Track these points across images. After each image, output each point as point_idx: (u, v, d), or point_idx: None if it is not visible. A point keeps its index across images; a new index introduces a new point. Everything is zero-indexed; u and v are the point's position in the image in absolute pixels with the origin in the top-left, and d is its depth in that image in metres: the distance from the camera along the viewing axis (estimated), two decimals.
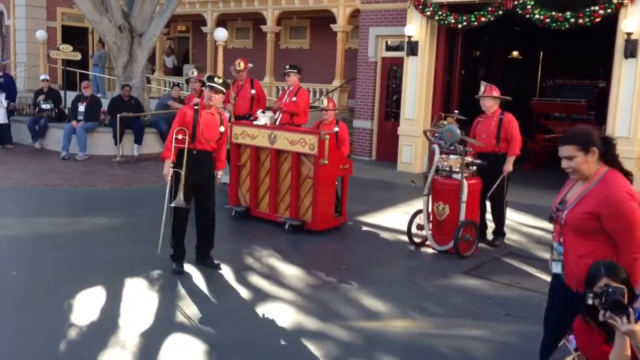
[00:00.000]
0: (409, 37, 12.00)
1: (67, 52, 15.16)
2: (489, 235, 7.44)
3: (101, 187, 9.88)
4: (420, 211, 7.12)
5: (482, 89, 7.23)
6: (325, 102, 7.99)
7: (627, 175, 3.17)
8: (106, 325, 4.71)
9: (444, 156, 6.91)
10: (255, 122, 8.06)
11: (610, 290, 2.67)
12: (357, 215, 8.37)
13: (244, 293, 5.53)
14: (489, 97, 7.17)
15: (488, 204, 7.34)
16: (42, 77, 14.26)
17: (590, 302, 2.76)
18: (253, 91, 9.61)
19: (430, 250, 7.02)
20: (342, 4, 16.42)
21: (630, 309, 2.60)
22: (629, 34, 9.54)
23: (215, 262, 6.13)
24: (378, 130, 13.69)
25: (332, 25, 16.77)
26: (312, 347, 4.46)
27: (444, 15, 11.39)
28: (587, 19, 9.79)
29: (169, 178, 5.93)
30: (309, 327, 4.84)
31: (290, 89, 8.96)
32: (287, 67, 9.00)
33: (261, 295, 5.47)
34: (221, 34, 14.16)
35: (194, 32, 22.81)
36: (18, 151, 12.96)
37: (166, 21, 14.24)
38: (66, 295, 5.24)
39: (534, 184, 10.53)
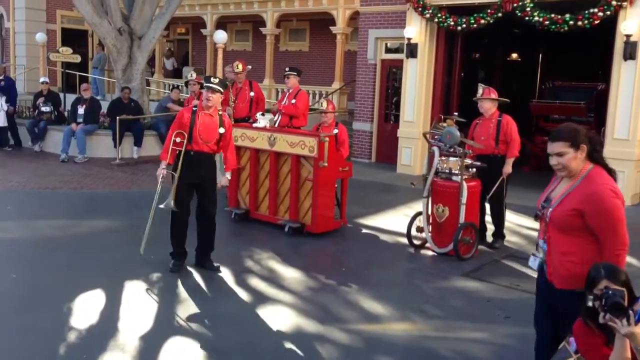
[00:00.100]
0: (409, 39, 12.01)
1: (67, 54, 15.18)
2: (488, 237, 7.44)
3: (100, 190, 9.88)
4: (419, 213, 7.12)
5: (480, 91, 7.23)
6: (325, 104, 7.99)
7: (611, 173, 3.19)
8: (105, 328, 4.70)
9: (443, 158, 6.91)
10: (254, 125, 8.06)
11: (610, 292, 2.67)
12: (356, 218, 8.37)
13: (244, 296, 5.53)
14: (487, 100, 7.18)
15: (487, 206, 7.34)
16: (41, 79, 14.27)
17: (590, 304, 2.76)
18: (252, 94, 9.60)
19: (429, 253, 7.01)
20: (341, 6, 16.44)
21: (630, 312, 2.60)
22: (628, 36, 9.55)
23: (215, 264, 6.12)
24: (378, 133, 13.69)
25: (331, 28, 16.79)
26: (312, 350, 4.46)
27: (444, 17, 11.40)
28: (586, 21, 9.80)
29: (161, 179, 5.97)
30: (308, 329, 4.84)
31: (290, 91, 8.96)
32: (287, 69, 9.00)
33: (261, 298, 5.46)
34: (221, 36, 14.18)
35: (193, 34, 22.84)
36: (17, 154, 12.96)
37: (166, 24, 14.26)
38: (65, 298, 5.23)
39: (533, 185, 10.47)
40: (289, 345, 4.55)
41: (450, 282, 6.08)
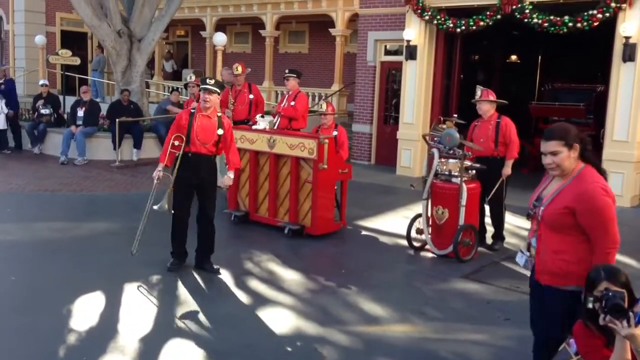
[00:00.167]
0: (408, 41, 12.02)
1: (66, 57, 15.19)
2: (488, 239, 7.44)
3: (100, 192, 9.88)
4: (419, 215, 7.12)
5: (478, 93, 7.23)
6: (325, 106, 7.99)
7: (602, 172, 3.23)
8: (105, 330, 4.70)
9: (443, 160, 6.91)
10: (254, 127, 8.06)
11: (610, 294, 2.67)
12: (356, 220, 8.37)
13: (244, 297, 5.53)
14: (486, 101, 7.18)
15: (487, 207, 7.34)
16: (41, 82, 14.26)
17: (590, 305, 2.76)
18: (251, 96, 9.60)
19: (429, 255, 7.01)
20: (340, 8, 16.45)
21: (631, 313, 2.60)
22: (627, 37, 9.56)
23: (215, 266, 6.12)
24: (377, 135, 13.70)
25: (331, 30, 16.79)
26: (312, 352, 4.45)
27: (443, 19, 11.41)
28: (585, 23, 9.82)
29: (156, 181, 6.03)
30: (308, 331, 4.83)
31: (289, 93, 8.96)
32: (287, 71, 9.01)
33: (260, 300, 5.46)
34: (220, 38, 14.18)
35: (193, 36, 22.84)
36: (17, 156, 12.96)
37: (165, 26, 14.27)
38: (65, 300, 5.23)
39: (532, 187, 10.41)
40: (288, 347, 4.55)
41: (450, 284, 6.08)
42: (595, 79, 14.34)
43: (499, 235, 7.40)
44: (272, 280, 5.97)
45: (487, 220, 7.44)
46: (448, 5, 11.58)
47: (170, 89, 15.27)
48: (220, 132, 5.98)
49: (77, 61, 15.50)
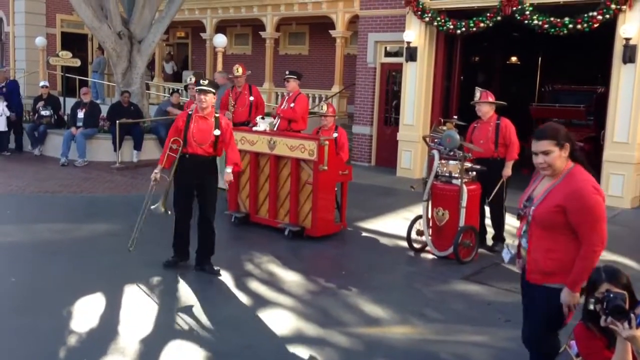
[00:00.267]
0: (408, 42, 12.02)
1: (67, 58, 15.19)
2: (488, 240, 7.44)
3: (100, 194, 9.88)
4: (419, 217, 7.11)
5: (477, 95, 7.23)
6: (325, 107, 7.99)
7: (590, 172, 3.26)
8: (105, 332, 4.69)
9: (443, 162, 6.91)
10: (254, 128, 8.06)
11: (611, 295, 2.67)
12: (356, 221, 8.36)
13: (244, 299, 5.52)
14: (485, 103, 7.19)
15: (487, 209, 7.34)
16: (41, 83, 14.28)
17: (591, 307, 2.76)
18: (251, 98, 9.59)
19: (430, 256, 7.01)
20: (341, 9, 16.46)
21: (632, 315, 2.60)
22: (627, 39, 9.57)
23: (215, 268, 6.12)
24: (377, 136, 13.69)
25: (331, 31, 16.80)
26: (312, 354, 4.45)
27: (443, 21, 11.41)
28: (585, 25, 9.82)
29: (152, 182, 6.10)
30: (308, 333, 4.83)
31: (290, 94, 8.96)
32: (287, 73, 9.00)
33: (261, 302, 5.46)
34: (220, 40, 14.19)
35: (193, 38, 22.86)
36: (17, 158, 12.96)
37: (165, 27, 14.27)
38: (65, 302, 5.23)
39: None
40: (289, 348, 4.55)
41: (450, 286, 6.08)
42: (595, 81, 14.35)
43: (499, 237, 7.39)
44: (272, 282, 5.97)
45: (488, 221, 7.44)
46: (448, 6, 11.59)
47: (171, 91, 15.26)
48: (216, 132, 5.98)
49: (77, 63, 15.51)
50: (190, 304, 5.36)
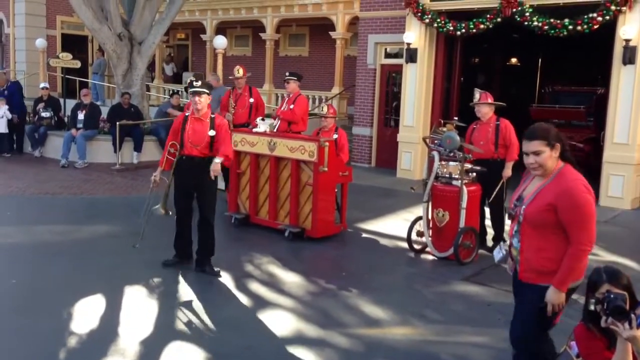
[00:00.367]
0: (408, 44, 12.03)
1: (67, 60, 15.19)
2: (488, 241, 7.44)
3: (100, 195, 9.88)
4: (420, 218, 7.11)
5: (476, 96, 7.24)
6: (325, 109, 8.00)
7: (579, 171, 3.28)
8: (105, 333, 4.69)
9: (443, 163, 6.91)
10: (254, 130, 8.06)
11: (612, 296, 2.67)
12: (356, 222, 8.36)
13: (244, 300, 5.52)
14: (485, 104, 7.19)
15: (487, 210, 7.34)
16: (41, 85, 14.27)
17: (592, 308, 2.76)
18: (252, 99, 9.59)
19: (430, 257, 7.01)
20: (341, 11, 16.48)
21: (632, 315, 2.60)
22: (627, 40, 9.57)
23: (215, 269, 6.13)
24: (377, 137, 13.70)
25: (331, 33, 16.82)
26: (313, 355, 4.45)
27: (443, 22, 11.42)
28: (585, 26, 9.83)
29: (152, 184, 6.18)
30: (309, 334, 4.83)
31: (290, 96, 8.96)
32: (287, 74, 9.00)
33: (261, 303, 5.46)
34: (220, 41, 14.20)
35: (193, 39, 22.89)
36: (17, 159, 12.96)
37: (165, 29, 14.28)
38: (65, 303, 5.23)
39: None
40: (289, 349, 4.55)
41: (450, 287, 6.07)
42: (595, 82, 14.36)
43: (499, 238, 7.38)
44: (272, 283, 5.97)
45: (488, 222, 7.44)
46: (448, 8, 11.59)
47: (171, 92, 15.28)
48: (211, 133, 6.00)
49: (77, 64, 15.51)
50: (190, 304, 5.35)
